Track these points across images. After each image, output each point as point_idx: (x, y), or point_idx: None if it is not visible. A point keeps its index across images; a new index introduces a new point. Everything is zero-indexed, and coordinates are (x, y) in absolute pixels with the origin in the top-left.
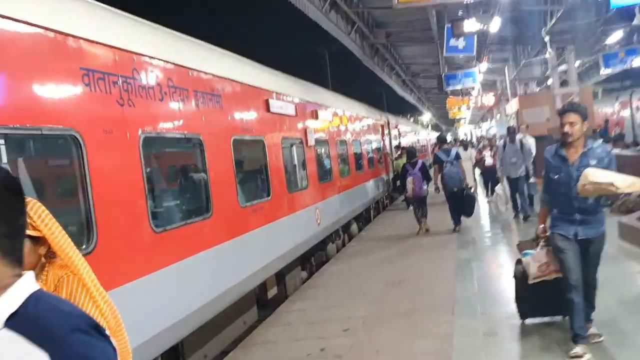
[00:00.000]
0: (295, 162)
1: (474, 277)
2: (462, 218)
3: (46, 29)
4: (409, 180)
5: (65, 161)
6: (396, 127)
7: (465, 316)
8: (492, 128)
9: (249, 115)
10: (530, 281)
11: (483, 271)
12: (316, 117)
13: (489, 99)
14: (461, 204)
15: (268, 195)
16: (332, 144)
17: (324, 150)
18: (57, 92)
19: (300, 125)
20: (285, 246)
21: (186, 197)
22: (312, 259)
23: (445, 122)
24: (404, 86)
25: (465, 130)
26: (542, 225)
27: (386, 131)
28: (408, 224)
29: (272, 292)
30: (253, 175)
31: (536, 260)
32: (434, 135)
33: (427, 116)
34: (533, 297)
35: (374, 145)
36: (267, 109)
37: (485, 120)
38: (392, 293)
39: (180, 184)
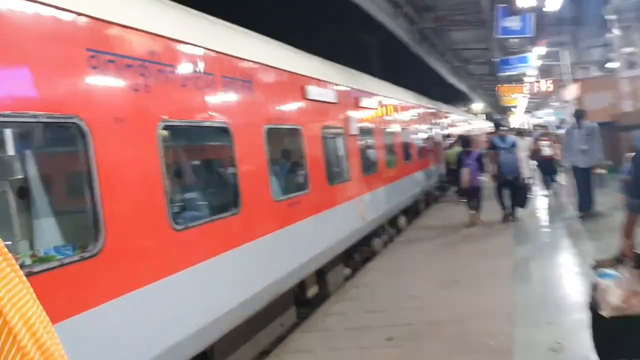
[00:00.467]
0: (337, 152)
1: (534, 279)
2: (517, 210)
3: (43, 3)
4: (464, 170)
5: (68, 153)
6: (446, 116)
7: (526, 326)
8: (549, 116)
9: (284, 103)
10: (607, 314)
11: (545, 272)
12: (359, 105)
13: (546, 85)
14: (515, 193)
15: (306, 188)
16: (377, 133)
17: (368, 140)
18: (59, 74)
19: (341, 114)
20: (326, 242)
21: (212, 192)
22: (356, 254)
23: (497, 110)
24: (454, 73)
25: (518, 119)
26: (628, 241)
27: (436, 120)
28: (459, 217)
29: (312, 290)
30: (289, 167)
31: (620, 287)
32: (485, 125)
33: (478, 105)
34: (617, 335)
35: (423, 135)
36: (305, 96)
37: (540, 109)
38: (442, 296)
39: (205, 178)
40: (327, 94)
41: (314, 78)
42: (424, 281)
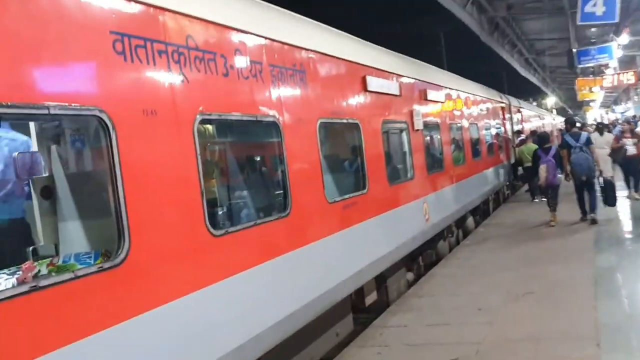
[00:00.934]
0: (398, 149)
1: (622, 294)
2: (599, 212)
3: None
4: (542, 167)
5: (89, 149)
6: (518, 111)
7: (616, 351)
8: (630, 110)
9: (341, 95)
10: None
11: (634, 286)
12: (425, 98)
13: (628, 77)
14: (591, 194)
15: (364, 188)
16: (444, 129)
17: (434, 136)
18: (78, 62)
19: (405, 107)
20: (385, 247)
21: (257, 193)
22: (420, 258)
23: (572, 105)
24: (527, 65)
25: (595, 114)
26: None
27: (507, 115)
28: (533, 219)
29: (371, 297)
30: (344, 165)
31: None
32: (559, 120)
33: (551, 99)
34: None
35: (493, 130)
36: (365, 87)
37: (619, 103)
38: (514, 309)
39: (249, 177)
40: (389, 86)
41: (374, 68)
42: (494, 291)
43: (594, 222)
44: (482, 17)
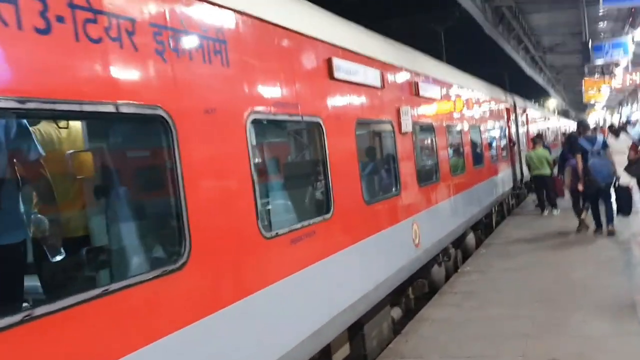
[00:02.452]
0: (380, 156)
1: None
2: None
3: None
4: (568, 170)
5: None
6: (524, 112)
7: None
8: (636, 112)
9: (291, 80)
10: None
11: None
12: (416, 94)
13: (639, 77)
14: (609, 201)
15: (327, 211)
16: (439, 132)
17: (427, 140)
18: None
19: (389, 104)
20: (358, 289)
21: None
22: (410, 289)
23: (575, 107)
24: (533, 64)
25: (597, 117)
26: None
27: (512, 116)
28: (546, 236)
29: (343, 352)
30: (296, 180)
31: None
32: (564, 123)
33: (554, 101)
34: None
35: (497, 133)
36: (330, 73)
37: (624, 105)
38: None
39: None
40: (366, 74)
41: (346, 49)
42: (503, 352)
43: (611, 234)
44: (487, 5)
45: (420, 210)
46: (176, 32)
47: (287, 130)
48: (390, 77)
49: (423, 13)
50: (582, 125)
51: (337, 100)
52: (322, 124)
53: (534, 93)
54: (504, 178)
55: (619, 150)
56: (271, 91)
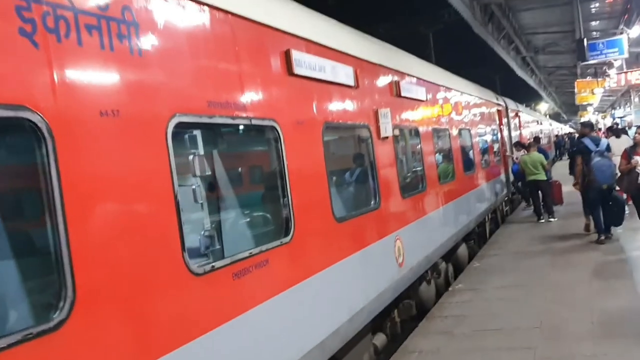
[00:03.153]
0: (356, 164)
1: None
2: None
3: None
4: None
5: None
6: (516, 116)
7: None
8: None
9: (236, 76)
10: None
11: None
12: (397, 94)
13: (637, 77)
14: (612, 206)
15: (286, 233)
16: (425, 137)
17: (410, 146)
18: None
19: (366, 105)
20: (329, 322)
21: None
22: (395, 312)
23: (567, 110)
24: (524, 65)
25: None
26: None
27: (504, 119)
28: (542, 247)
29: None
30: (244, 196)
31: None
32: (557, 126)
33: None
34: None
35: (489, 137)
36: (289, 68)
37: (616, 107)
38: None
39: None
40: (336, 70)
41: (309, 41)
42: None
43: (610, 235)
44: (475, 3)
45: (404, 224)
46: (57, 9)
47: (229, 136)
48: (366, 75)
49: (411, 16)
50: (586, 126)
51: (299, 101)
52: (278, 128)
53: (526, 96)
54: (497, 184)
55: (618, 153)
56: (204, 88)
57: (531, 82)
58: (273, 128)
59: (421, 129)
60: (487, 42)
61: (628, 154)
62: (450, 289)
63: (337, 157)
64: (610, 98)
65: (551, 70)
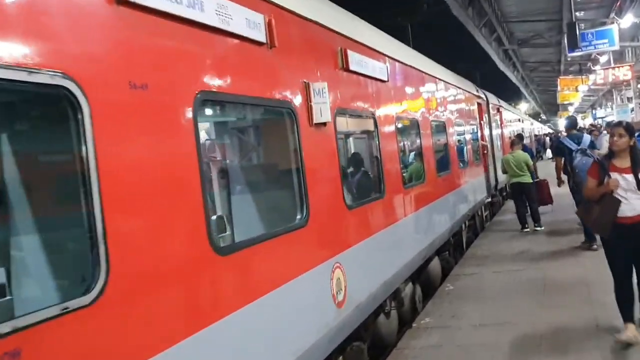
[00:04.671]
0: (267, 163)
1: None
2: None
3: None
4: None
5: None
6: (498, 112)
7: None
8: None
9: None
10: None
11: None
12: (342, 67)
13: (624, 72)
14: None
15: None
16: (384, 124)
17: (361, 137)
18: None
19: (287, 76)
20: None
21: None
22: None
23: (547, 109)
24: (506, 59)
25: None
26: None
27: (484, 115)
28: (528, 262)
29: None
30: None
31: None
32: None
33: (525, 103)
34: None
35: (468, 133)
36: None
37: (597, 107)
38: None
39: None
40: (215, 12)
41: None
42: None
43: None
44: None
45: (348, 245)
46: None
47: None
48: (288, 31)
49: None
50: (569, 124)
51: (144, 54)
52: (83, 95)
53: (506, 94)
54: (476, 186)
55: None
56: None
57: (513, 77)
58: (70, 96)
59: (379, 116)
60: (466, 27)
61: (599, 170)
62: (414, 324)
63: (224, 150)
64: (591, 98)
65: (534, 66)
